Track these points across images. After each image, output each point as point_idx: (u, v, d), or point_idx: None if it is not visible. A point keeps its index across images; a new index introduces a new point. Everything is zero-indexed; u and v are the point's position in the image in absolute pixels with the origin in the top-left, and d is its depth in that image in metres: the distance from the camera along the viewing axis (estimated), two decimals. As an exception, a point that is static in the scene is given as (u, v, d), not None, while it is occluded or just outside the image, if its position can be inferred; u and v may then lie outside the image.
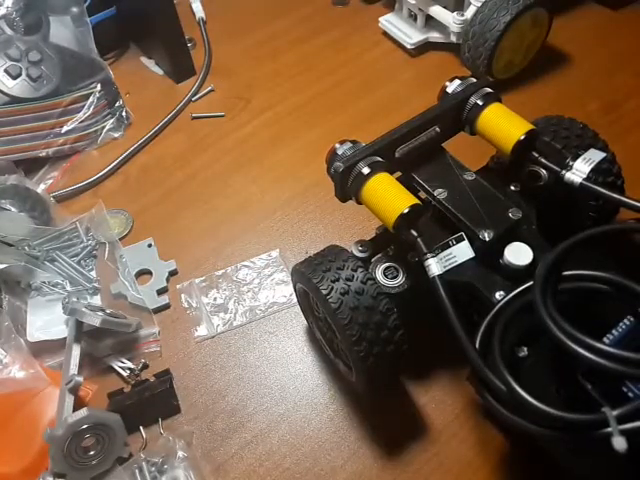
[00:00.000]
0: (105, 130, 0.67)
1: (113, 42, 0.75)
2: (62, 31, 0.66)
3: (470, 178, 0.42)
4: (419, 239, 0.38)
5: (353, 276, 0.38)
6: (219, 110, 0.69)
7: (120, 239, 0.57)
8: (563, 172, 0.41)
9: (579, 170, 0.40)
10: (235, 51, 0.77)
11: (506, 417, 0.32)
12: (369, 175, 0.39)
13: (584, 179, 0.40)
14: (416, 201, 0.38)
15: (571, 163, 0.41)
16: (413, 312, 0.41)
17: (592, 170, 0.40)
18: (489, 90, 0.42)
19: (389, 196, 0.38)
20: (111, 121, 0.67)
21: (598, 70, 0.69)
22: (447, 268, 0.38)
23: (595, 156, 0.41)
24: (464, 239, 0.39)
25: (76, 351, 0.46)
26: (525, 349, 0.35)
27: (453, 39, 0.69)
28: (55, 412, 0.43)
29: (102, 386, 0.47)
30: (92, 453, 0.42)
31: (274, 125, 0.67)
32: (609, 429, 0.27)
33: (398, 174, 0.43)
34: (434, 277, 0.37)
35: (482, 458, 0.42)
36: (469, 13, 0.66)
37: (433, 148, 0.44)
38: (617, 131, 0.61)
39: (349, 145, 0.41)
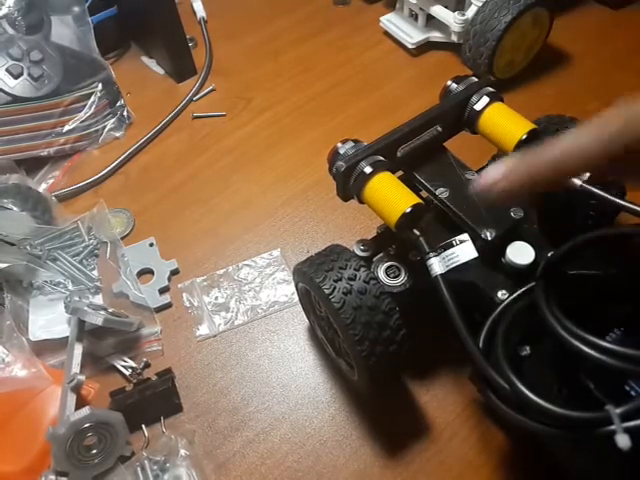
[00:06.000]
0: (106, 130, 0.67)
1: (114, 42, 0.75)
2: (63, 31, 0.66)
3: (472, 177, 0.42)
4: (421, 238, 0.38)
5: (356, 275, 0.38)
6: (220, 110, 0.69)
7: (122, 238, 0.57)
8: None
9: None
10: (236, 51, 0.77)
11: (509, 415, 0.32)
12: (371, 174, 0.39)
13: (583, 181, 0.40)
14: (418, 200, 0.38)
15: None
16: (415, 311, 0.41)
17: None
18: (491, 89, 0.42)
19: (391, 195, 0.38)
20: (112, 121, 0.67)
21: (599, 69, 0.69)
22: (449, 267, 0.38)
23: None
24: (467, 239, 0.39)
25: (78, 350, 0.46)
26: (527, 348, 0.35)
27: (454, 39, 0.69)
28: (57, 411, 0.43)
29: (104, 385, 0.47)
30: (94, 452, 0.42)
31: (275, 125, 0.67)
32: (612, 427, 0.27)
33: (400, 173, 0.43)
34: (436, 276, 0.37)
35: (483, 457, 0.42)
36: (470, 13, 0.66)
37: (435, 147, 0.44)
38: (618, 131, 0.61)
39: (351, 144, 0.41)
